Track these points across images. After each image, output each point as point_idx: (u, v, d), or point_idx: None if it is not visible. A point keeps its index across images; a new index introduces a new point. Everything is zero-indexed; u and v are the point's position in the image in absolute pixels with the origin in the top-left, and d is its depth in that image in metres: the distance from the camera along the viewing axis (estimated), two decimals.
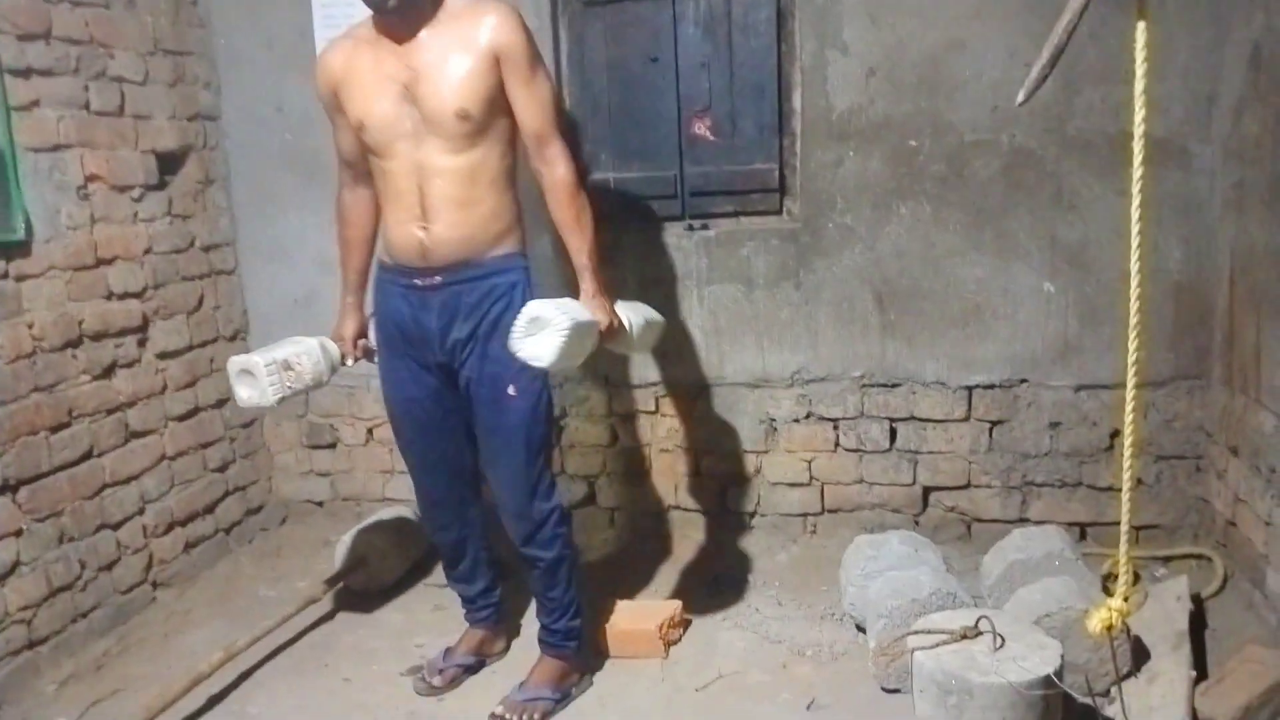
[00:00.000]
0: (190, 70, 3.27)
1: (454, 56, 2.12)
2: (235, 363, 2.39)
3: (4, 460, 2.54)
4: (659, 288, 3.20)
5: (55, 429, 2.71)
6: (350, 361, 2.55)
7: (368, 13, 2.20)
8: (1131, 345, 1.54)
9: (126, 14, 2.99)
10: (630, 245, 3.20)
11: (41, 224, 2.67)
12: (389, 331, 2.38)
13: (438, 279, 2.24)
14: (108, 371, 2.90)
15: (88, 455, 2.82)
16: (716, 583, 3.01)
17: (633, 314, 2.39)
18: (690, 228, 3.20)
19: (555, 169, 2.20)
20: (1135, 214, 1.49)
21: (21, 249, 2.62)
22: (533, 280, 2.29)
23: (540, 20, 3.11)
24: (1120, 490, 1.65)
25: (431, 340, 2.29)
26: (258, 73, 3.36)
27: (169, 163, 3.17)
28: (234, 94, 3.40)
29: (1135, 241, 1.49)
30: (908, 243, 3.01)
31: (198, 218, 3.28)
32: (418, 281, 2.26)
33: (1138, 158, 1.48)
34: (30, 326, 2.63)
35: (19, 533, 2.59)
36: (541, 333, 2.03)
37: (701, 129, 3.17)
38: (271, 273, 3.49)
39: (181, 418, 3.21)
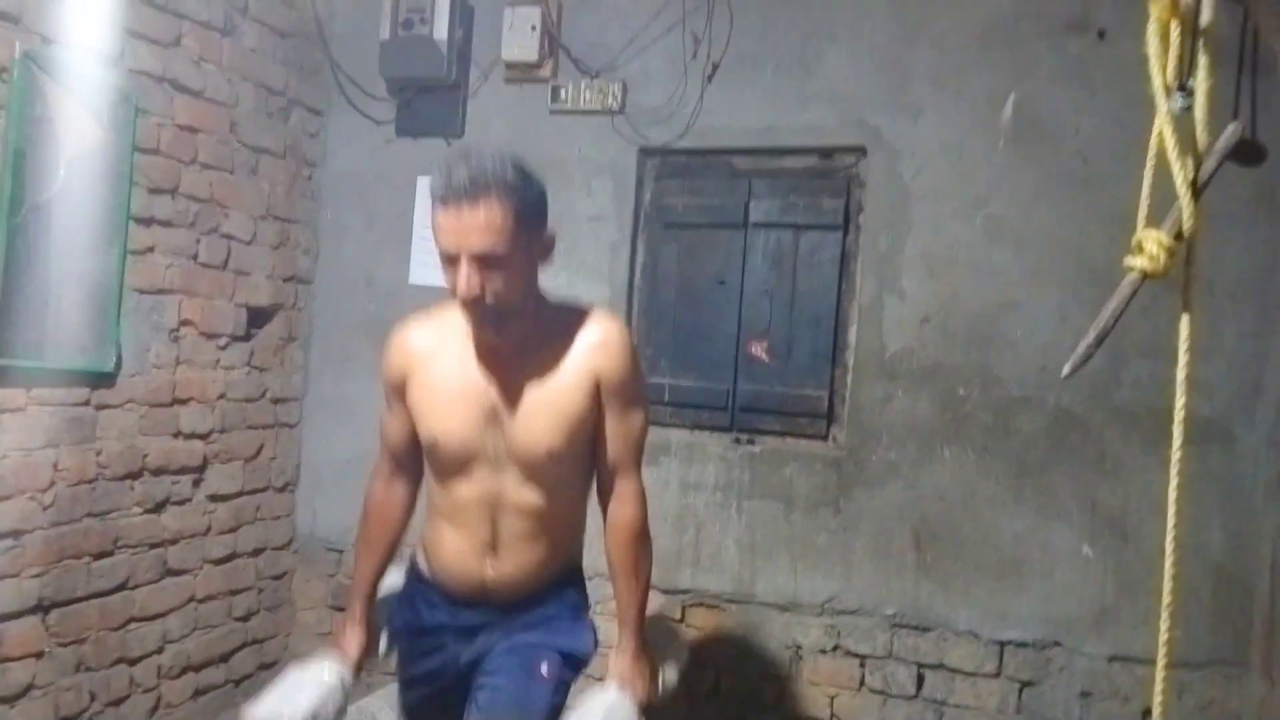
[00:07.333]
0: (294, 236, 3.53)
1: (552, 384, 1.86)
2: None
3: (44, 580, 2.60)
4: (699, 493, 3.25)
5: (98, 556, 2.78)
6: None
7: None
8: (1163, 626, 1.52)
9: (248, 180, 3.27)
10: (677, 450, 3.28)
11: (130, 359, 2.84)
12: (413, 640, 2.07)
13: (489, 617, 1.98)
14: (159, 506, 2.99)
15: (122, 586, 2.88)
16: None
17: (669, 663, 2.16)
18: (737, 440, 3.28)
19: (625, 508, 1.95)
20: (1173, 494, 1.52)
21: (107, 380, 2.78)
22: (585, 593, 2.08)
23: (622, 234, 3.34)
24: None
25: (455, 663, 2.00)
26: (355, 246, 3.63)
27: (258, 317, 3.38)
28: (330, 262, 3.65)
29: (1171, 522, 1.51)
30: (949, 486, 3.05)
31: (273, 371, 3.45)
32: (465, 620, 1.99)
33: (1177, 440, 1.52)
34: (98, 454, 2.75)
35: (40, 655, 2.61)
36: None
37: (758, 350, 3.31)
38: (330, 431, 3.62)
39: (218, 561, 3.26)
